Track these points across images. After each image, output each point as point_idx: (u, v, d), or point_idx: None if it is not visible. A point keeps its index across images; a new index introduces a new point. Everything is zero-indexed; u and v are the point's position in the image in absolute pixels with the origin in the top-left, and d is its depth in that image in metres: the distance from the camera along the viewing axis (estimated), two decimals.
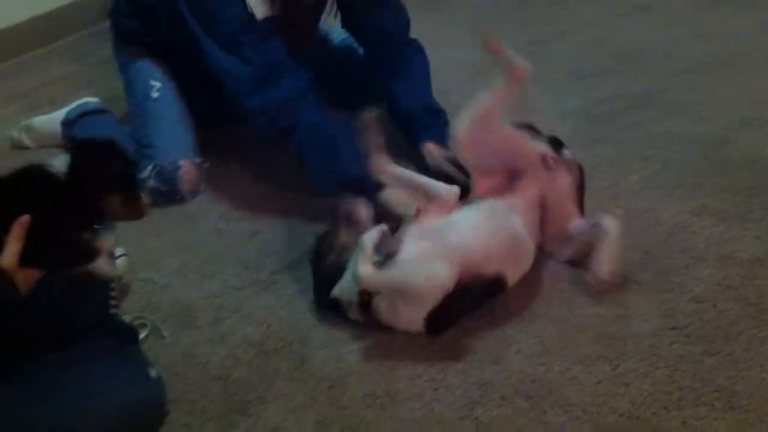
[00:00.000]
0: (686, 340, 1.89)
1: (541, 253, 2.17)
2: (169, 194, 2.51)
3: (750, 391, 1.75)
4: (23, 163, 1.59)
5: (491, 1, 4.01)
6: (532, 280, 2.10)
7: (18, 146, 2.81)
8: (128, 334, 1.86)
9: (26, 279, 1.48)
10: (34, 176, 1.55)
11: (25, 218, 1.45)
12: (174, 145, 2.59)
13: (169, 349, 1.97)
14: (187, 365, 1.93)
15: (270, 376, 1.90)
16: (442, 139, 2.41)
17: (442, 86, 3.08)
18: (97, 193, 1.57)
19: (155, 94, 2.68)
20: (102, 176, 1.57)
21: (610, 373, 1.83)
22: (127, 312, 2.05)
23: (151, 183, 2.50)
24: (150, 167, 2.51)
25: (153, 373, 1.65)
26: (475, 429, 1.73)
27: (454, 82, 3.15)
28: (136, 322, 2.00)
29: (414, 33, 3.57)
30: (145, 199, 1.67)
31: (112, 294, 1.97)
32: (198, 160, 2.59)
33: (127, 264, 2.14)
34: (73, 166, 1.54)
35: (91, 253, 1.56)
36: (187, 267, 2.24)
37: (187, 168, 2.54)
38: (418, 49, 2.73)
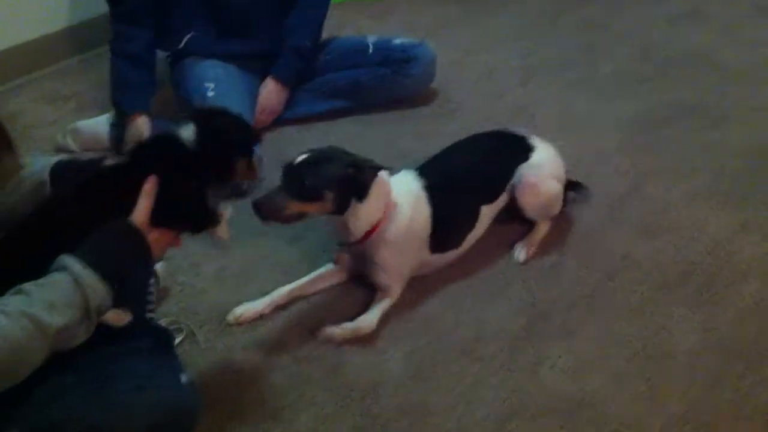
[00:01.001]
0: (726, 357, 1.85)
1: (582, 271, 2.15)
2: None
3: None
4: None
5: (545, 6, 3.97)
6: (568, 294, 2.08)
7: (63, 150, 2.84)
8: (164, 338, 1.87)
9: (157, 241, 1.52)
10: (165, 142, 1.63)
11: (154, 177, 1.51)
12: None
13: (204, 354, 1.98)
14: (222, 371, 1.94)
15: (304, 383, 1.90)
16: (285, 78, 2.87)
17: (496, 89, 3.09)
18: (225, 157, 1.64)
19: (211, 93, 2.73)
20: (230, 142, 1.65)
21: (646, 391, 1.79)
22: (164, 316, 2.07)
23: None
24: None
25: (184, 378, 1.65)
26: None
27: (507, 84, 3.14)
28: (172, 327, 2.02)
29: (468, 37, 3.57)
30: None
31: (150, 299, 1.99)
32: (258, 150, 2.62)
33: (166, 268, 2.15)
34: (202, 134, 1.60)
35: (215, 218, 1.64)
36: (226, 272, 2.24)
37: None
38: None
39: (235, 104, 2.72)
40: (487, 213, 2.18)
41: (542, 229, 2.25)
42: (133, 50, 2.75)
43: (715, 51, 3.32)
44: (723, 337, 1.91)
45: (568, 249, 2.23)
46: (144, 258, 1.49)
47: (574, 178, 2.34)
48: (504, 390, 1.83)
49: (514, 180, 2.18)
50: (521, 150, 2.21)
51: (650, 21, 3.69)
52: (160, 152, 1.62)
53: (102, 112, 2.93)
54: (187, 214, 1.61)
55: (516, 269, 2.18)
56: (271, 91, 2.87)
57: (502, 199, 2.20)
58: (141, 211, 1.48)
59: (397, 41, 2.99)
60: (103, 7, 2.84)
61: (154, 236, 1.50)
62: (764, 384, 1.78)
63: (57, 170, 1.65)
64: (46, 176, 1.63)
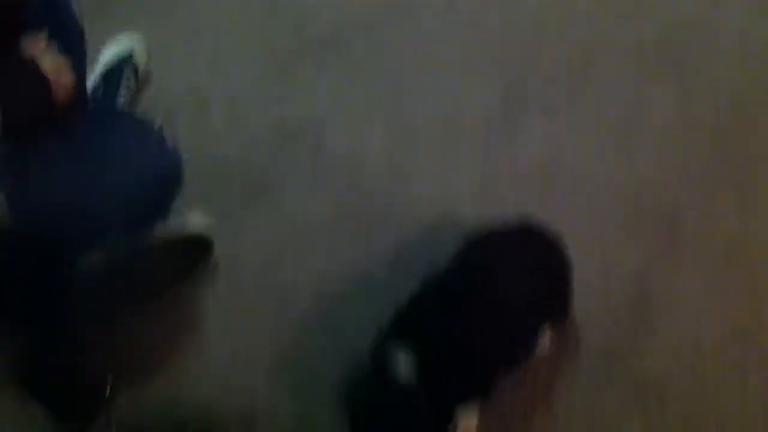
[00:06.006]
0: (696, 135, 1.90)
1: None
2: None
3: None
4: None
5: None
6: (548, 72, 2.07)
7: None
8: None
9: None
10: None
11: None
12: None
13: (187, 133, 1.91)
14: (206, 148, 1.92)
15: (289, 160, 1.92)
16: None
17: None
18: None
19: None
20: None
21: (621, 159, 1.87)
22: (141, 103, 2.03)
23: None
24: None
25: (168, 139, 1.64)
26: None
27: None
28: (147, 114, 1.97)
29: None
30: None
31: (124, 86, 1.96)
32: None
33: (143, 53, 2.06)
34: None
35: None
36: (198, 54, 2.14)
37: None
38: None
39: None
40: None
41: None
42: None
43: None
44: (695, 116, 1.95)
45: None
46: None
47: None
48: (482, 159, 1.90)
49: None
50: None
51: None
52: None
53: None
54: None
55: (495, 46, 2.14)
56: None
57: None
58: None
59: None
60: None
61: None
62: (729, 160, 1.86)
63: None
64: None
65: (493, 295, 1.40)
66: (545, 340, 1.52)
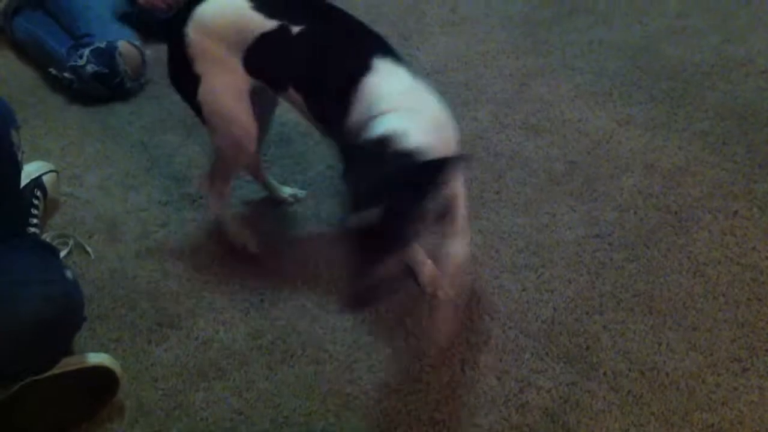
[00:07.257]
0: (609, 247, 1.93)
1: (471, 171, 2.17)
2: (110, 77, 2.43)
3: (668, 296, 1.82)
4: None
5: None
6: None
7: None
8: (47, 248, 1.80)
9: None
10: None
11: None
12: (109, 28, 2.52)
13: (95, 265, 1.94)
14: (114, 280, 1.90)
15: (199, 289, 1.89)
16: None
17: None
18: None
19: None
20: None
21: (535, 281, 1.86)
22: (51, 228, 2.00)
23: (91, 68, 2.41)
24: (87, 52, 2.42)
25: (69, 274, 1.58)
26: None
27: None
28: (57, 241, 1.95)
29: None
30: None
31: (34, 212, 1.91)
32: (138, 43, 2.51)
33: (55, 180, 2.06)
34: None
35: None
36: (110, 181, 2.17)
37: (126, 48, 2.46)
38: None
39: None
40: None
41: None
42: None
43: None
44: (604, 229, 1.99)
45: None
46: None
47: None
48: None
49: None
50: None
51: None
52: None
53: None
54: None
55: None
56: None
57: None
58: None
59: None
60: None
61: None
62: (642, 273, 1.88)
63: None
64: None
65: None
66: None
